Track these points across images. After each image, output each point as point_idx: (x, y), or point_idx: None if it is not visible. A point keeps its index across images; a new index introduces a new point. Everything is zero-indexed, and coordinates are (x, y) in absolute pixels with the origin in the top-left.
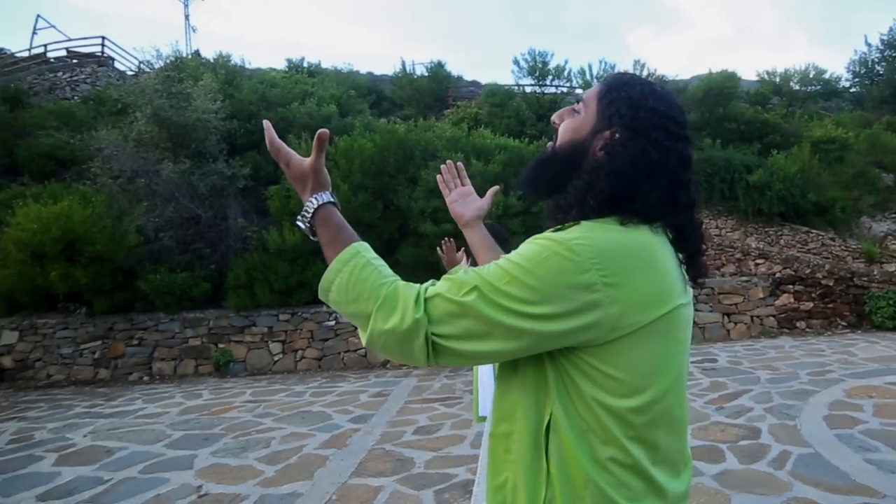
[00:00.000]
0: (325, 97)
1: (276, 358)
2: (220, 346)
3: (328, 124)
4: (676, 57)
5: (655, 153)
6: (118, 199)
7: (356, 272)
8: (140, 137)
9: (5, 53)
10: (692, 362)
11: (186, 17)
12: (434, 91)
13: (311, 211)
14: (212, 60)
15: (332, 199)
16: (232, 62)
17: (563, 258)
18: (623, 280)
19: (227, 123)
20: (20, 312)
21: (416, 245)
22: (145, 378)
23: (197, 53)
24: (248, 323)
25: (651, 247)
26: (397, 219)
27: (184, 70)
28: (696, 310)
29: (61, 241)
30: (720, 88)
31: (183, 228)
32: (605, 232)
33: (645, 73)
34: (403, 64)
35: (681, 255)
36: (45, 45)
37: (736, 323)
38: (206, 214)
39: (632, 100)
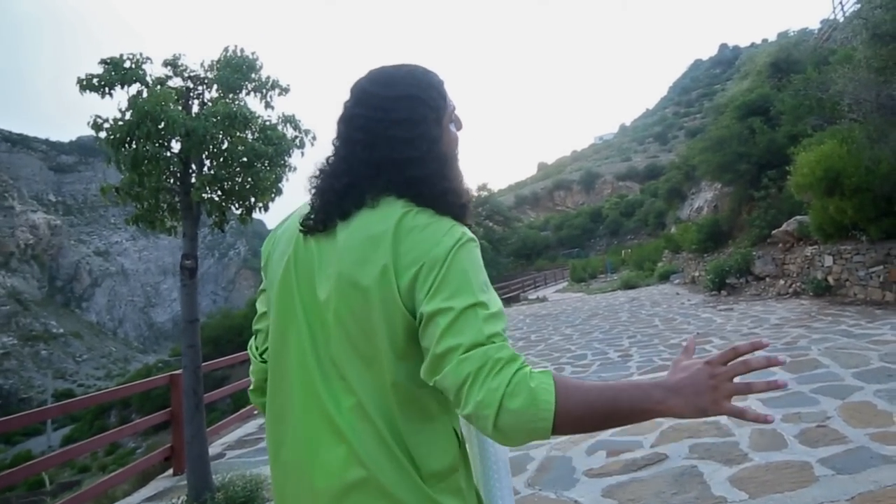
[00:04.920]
0: None
1: None
2: None
3: None
4: None
5: None
6: (868, 130)
7: None
8: (868, 64)
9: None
10: None
11: None
12: None
13: None
14: None
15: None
16: None
17: None
18: None
19: None
20: (829, 241)
21: None
22: None
23: None
24: None
25: None
26: None
27: None
28: None
29: (825, 179)
30: None
31: None
32: None
33: None
34: None
35: None
36: (841, 3)
37: None
38: None
39: None
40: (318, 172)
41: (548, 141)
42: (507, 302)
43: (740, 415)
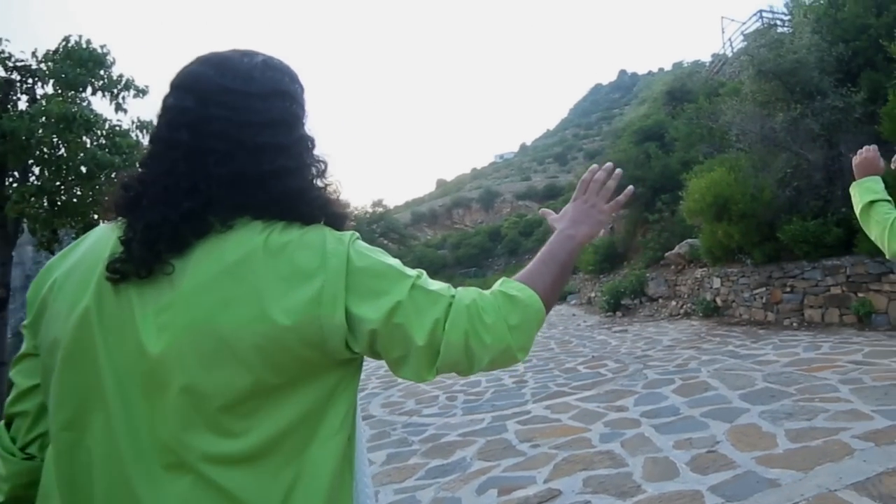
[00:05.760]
0: None
1: None
2: (860, 294)
3: None
4: None
5: None
6: (753, 159)
7: None
8: (754, 98)
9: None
10: None
11: None
12: None
13: None
14: None
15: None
16: None
17: None
18: None
19: (833, 49)
20: (718, 263)
21: None
22: (795, 324)
23: None
24: (884, 270)
25: None
26: None
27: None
28: None
29: (714, 205)
30: None
31: (806, 176)
32: None
33: None
34: None
35: None
36: (730, 39)
37: None
38: (814, 157)
39: None
40: (130, 195)
41: (447, 158)
42: None
43: (618, 205)
